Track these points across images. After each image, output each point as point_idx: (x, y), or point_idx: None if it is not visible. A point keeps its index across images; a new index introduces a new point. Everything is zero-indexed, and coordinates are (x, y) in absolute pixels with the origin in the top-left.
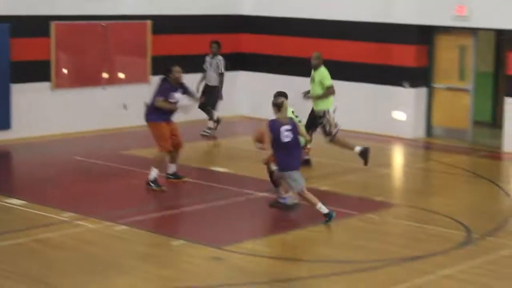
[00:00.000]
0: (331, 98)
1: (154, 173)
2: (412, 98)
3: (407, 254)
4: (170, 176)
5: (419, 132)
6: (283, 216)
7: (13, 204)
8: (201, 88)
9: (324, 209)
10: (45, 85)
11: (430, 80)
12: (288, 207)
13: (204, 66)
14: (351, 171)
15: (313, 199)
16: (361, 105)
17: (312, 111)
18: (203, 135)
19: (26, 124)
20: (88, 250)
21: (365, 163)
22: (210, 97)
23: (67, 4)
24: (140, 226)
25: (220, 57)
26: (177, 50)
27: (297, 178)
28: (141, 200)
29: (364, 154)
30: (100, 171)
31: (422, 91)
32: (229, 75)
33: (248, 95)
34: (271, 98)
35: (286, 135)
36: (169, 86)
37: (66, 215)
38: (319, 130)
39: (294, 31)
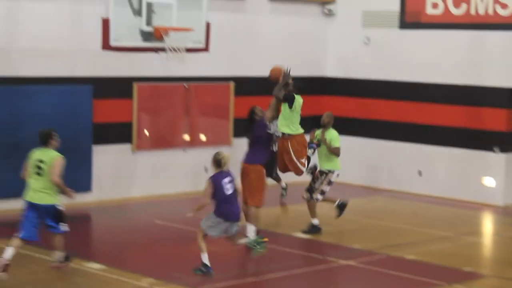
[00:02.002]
0: (338, 160)
1: (252, 231)
2: (503, 164)
3: None
4: None
5: (510, 199)
6: (364, 286)
7: (91, 268)
8: None
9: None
10: (126, 146)
11: None
12: None
13: None
14: (438, 239)
15: (203, 247)
16: (449, 170)
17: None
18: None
19: (107, 187)
20: None
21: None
22: (272, 165)
23: (150, 65)
24: None
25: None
26: None
27: (216, 226)
28: (222, 266)
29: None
30: (181, 236)
31: None
32: None
33: None
34: (354, 160)
35: (228, 188)
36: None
37: (145, 281)
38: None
39: (378, 93)
